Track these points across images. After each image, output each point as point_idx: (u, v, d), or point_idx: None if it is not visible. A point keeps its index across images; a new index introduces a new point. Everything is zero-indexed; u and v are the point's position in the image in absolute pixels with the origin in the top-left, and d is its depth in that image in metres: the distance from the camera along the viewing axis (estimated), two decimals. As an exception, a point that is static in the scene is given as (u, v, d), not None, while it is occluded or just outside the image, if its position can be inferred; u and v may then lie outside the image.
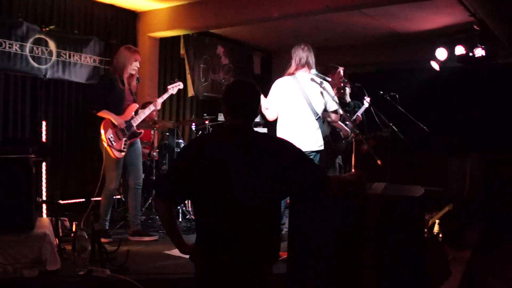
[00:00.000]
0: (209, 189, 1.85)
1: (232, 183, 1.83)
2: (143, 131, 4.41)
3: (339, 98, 5.85)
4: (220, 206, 1.84)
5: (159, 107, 4.45)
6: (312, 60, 4.00)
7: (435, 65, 6.22)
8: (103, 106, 4.08)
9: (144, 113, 4.31)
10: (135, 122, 4.25)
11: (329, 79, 4.78)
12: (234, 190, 1.82)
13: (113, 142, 4.11)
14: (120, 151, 4.14)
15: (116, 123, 4.10)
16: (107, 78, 4.18)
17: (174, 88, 4.58)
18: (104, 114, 4.08)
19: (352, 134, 4.85)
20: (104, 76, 4.28)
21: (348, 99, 5.82)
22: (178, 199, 2.09)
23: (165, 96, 4.55)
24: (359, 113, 5.45)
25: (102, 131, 4.09)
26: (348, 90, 5.60)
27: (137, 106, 4.33)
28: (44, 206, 4.26)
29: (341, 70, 5.03)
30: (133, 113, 4.26)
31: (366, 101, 5.43)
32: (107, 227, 4.29)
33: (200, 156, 1.89)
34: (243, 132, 1.93)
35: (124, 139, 4.17)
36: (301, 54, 3.96)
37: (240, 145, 1.88)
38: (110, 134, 4.11)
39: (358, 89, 5.39)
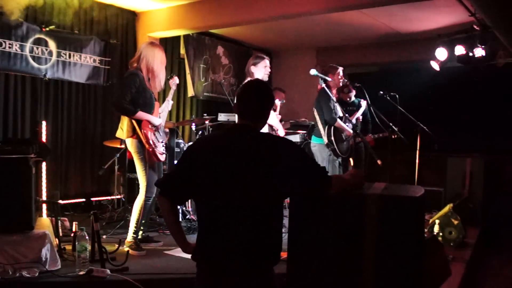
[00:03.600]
0: (211, 188, 1.86)
1: (234, 183, 1.83)
2: (168, 130, 4.23)
3: (340, 99, 5.91)
4: (221, 205, 1.85)
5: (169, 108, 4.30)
6: (247, 68, 4.44)
7: (435, 65, 6.22)
8: (138, 107, 3.81)
9: (165, 112, 4.15)
10: (163, 122, 4.09)
11: (329, 79, 4.81)
12: (235, 189, 1.83)
13: (156, 145, 3.88)
14: (163, 153, 3.95)
15: (156, 123, 3.89)
16: (138, 77, 3.85)
17: (174, 84, 4.39)
18: (141, 116, 3.80)
19: (352, 134, 4.90)
20: (134, 75, 3.84)
21: (352, 98, 5.86)
22: (181, 197, 2.12)
23: (171, 94, 4.35)
24: (358, 114, 5.51)
25: (147, 134, 3.83)
26: (352, 93, 5.68)
27: (159, 104, 4.13)
28: (44, 206, 4.26)
29: (340, 70, 5.05)
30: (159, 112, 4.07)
31: (362, 104, 5.49)
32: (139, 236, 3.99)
33: (204, 155, 1.91)
34: (246, 132, 1.94)
35: (161, 140, 4.00)
36: (247, 65, 4.44)
37: (242, 145, 1.89)
38: (152, 136, 3.87)
39: (358, 89, 5.41)
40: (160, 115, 4.08)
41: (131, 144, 3.93)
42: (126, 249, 3.79)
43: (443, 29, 6.39)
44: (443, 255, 2.76)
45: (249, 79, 4.23)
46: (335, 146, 4.80)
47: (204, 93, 7.63)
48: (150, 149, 3.84)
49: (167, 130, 4.27)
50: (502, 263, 4.66)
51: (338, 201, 1.96)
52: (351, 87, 5.80)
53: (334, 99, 4.95)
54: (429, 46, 6.31)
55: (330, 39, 7.74)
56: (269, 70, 4.44)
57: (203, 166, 1.88)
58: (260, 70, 4.37)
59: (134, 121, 3.84)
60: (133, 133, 3.87)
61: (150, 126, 3.88)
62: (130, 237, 3.93)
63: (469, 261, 4.04)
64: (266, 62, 4.42)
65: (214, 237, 1.88)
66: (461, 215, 4.45)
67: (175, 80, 4.43)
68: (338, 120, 4.86)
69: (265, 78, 4.34)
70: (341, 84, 5.10)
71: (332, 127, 4.85)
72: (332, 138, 4.81)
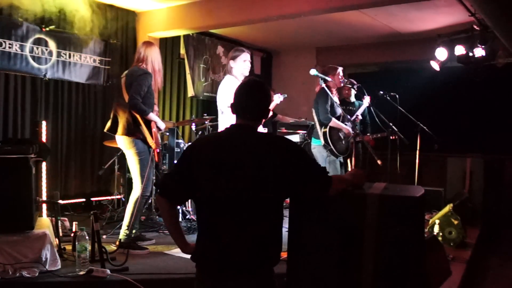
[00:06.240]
0: (210, 188, 1.86)
1: (233, 183, 1.83)
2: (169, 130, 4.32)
3: (344, 99, 5.91)
4: (221, 205, 1.85)
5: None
6: (227, 64, 4.15)
7: (435, 65, 6.22)
8: (150, 108, 3.90)
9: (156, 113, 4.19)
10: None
11: (330, 79, 4.81)
12: (235, 189, 1.83)
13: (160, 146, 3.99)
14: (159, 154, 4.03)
15: (161, 127, 3.96)
16: (151, 78, 3.91)
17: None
18: (151, 117, 3.88)
19: (352, 134, 4.89)
20: (148, 75, 3.89)
21: (352, 99, 5.85)
22: (180, 197, 2.09)
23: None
24: (359, 112, 5.48)
25: (157, 136, 3.92)
26: (353, 91, 5.65)
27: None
28: (44, 206, 4.26)
29: (340, 70, 5.04)
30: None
31: (366, 100, 5.43)
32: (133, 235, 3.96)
33: (203, 155, 1.90)
34: (245, 132, 1.94)
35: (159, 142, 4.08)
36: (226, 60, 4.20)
37: (242, 144, 1.89)
38: (159, 138, 3.97)
39: (358, 89, 5.41)
40: None
41: (131, 143, 3.89)
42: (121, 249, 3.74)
43: (443, 29, 6.39)
44: (443, 255, 2.77)
45: (227, 76, 4.10)
46: (332, 147, 4.79)
47: (204, 93, 7.63)
48: (158, 150, 3.87)
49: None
50: (502, 263, 4.66)
51: (338, 201, 1.96)
52: (355, 85, 5.79)
53: (335, 99, 4.94)
54: (429, 46, 6.31)
55: (330, 39, 7.74)
56: (249, 64, 4.08)
57: (203, 166, 1.88)
58: (239, 65, 4.02)
59: (142, 121, 3.85)
60: (136, 132, 3.87)
61: (156, 127, 3.94)
62: (122, 234, 3.88)
63: (469, 261, 4.04)
64: (246, 56, 4.03)
65: (213, 238, 1.87)
66: (461, 215, 4.45)
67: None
68: (334, 119, 4.83)
69: (245, 73, 4.05)
70: (342, 85, 5.09)
71: (328, 127, 4.83)
72: (328, 138, 4.79)
